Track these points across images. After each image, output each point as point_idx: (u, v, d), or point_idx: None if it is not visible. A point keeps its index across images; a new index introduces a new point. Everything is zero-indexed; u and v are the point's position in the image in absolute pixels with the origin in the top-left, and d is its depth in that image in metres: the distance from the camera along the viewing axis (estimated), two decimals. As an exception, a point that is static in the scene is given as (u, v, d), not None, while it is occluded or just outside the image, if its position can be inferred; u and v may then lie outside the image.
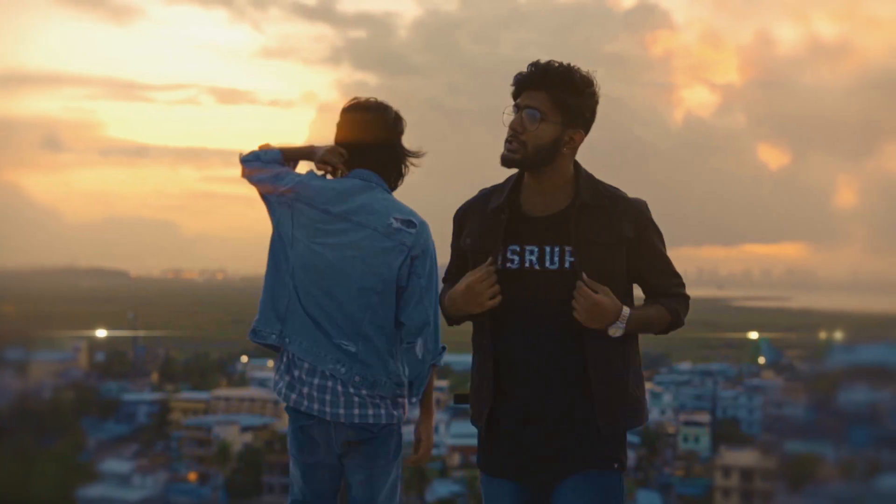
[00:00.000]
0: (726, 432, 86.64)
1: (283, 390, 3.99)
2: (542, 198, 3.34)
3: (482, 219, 3.40)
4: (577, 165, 3.37)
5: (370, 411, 3.90)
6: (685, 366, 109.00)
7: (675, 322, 3.44)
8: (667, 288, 3.41)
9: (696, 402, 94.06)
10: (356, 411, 3.87)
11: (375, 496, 4.05)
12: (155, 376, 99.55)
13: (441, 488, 67.57)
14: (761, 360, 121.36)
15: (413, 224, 3.87)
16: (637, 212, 3.36)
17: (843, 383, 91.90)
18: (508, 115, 3.32)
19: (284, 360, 3.96)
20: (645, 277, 3.41)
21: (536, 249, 3.32)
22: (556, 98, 3.26)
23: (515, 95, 3.33)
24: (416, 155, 4.07)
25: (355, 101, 4.02)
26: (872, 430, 64.55)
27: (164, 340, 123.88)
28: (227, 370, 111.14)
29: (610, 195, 3.36)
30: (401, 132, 4.04)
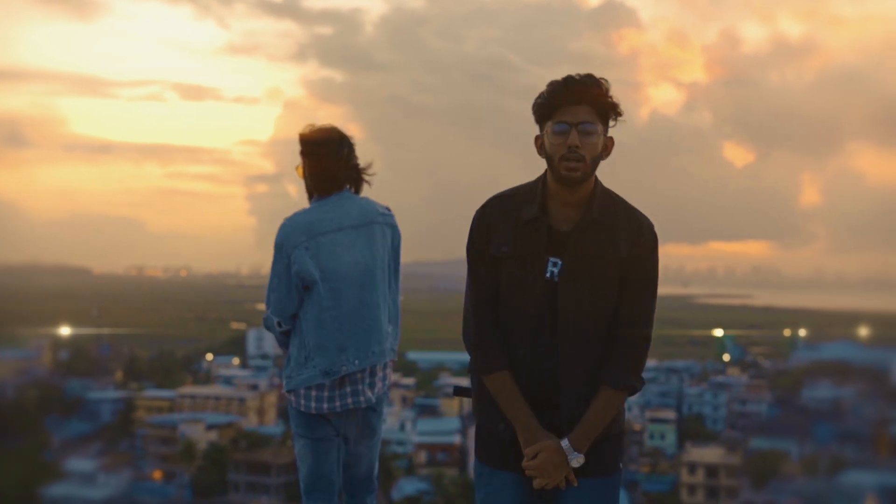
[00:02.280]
0: (692, 429, 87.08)
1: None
2: (568, 210, 3.38)
3: (516, 227, 3.39)
4: (598, 182, 3.42)
5: (379, 384, 4.52)
6: (650, 363, 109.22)
7: (629, 392, 3.42)
8: (627, 328, 3.39)
9: (661, 400, 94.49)
10: (378, 386, 4.53)
11: (374, 465, 4.63)
12: (119, 374, 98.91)
13: (407, 486, 67.49)
14: (726, 357, 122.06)
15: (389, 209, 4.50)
16: (637, 231, 3.39)
17: (806, 380, 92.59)
18: (554, 134, 3.31)
19: None
20: (621, 304, 3.39)
21: (560, 262, 3.37)
22: (597, 110, 3.31)
23: (547, 114, 3.34)
24: (368, 173, 4.55)
25: (309, 135, 4.45)
26: (836, 426, 64.99)
27: (128, 338, 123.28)
28: (193, 368, 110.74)
29: (619, 211, 3.41)
30: (350, 159, 4.49)
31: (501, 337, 3.43)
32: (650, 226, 3.42)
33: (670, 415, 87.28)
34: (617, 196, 3.44)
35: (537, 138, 3.41)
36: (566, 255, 3.34)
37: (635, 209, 3.45)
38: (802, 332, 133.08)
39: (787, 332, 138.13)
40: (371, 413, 4.55)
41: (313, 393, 4.35)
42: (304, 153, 4.43)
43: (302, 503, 4.48)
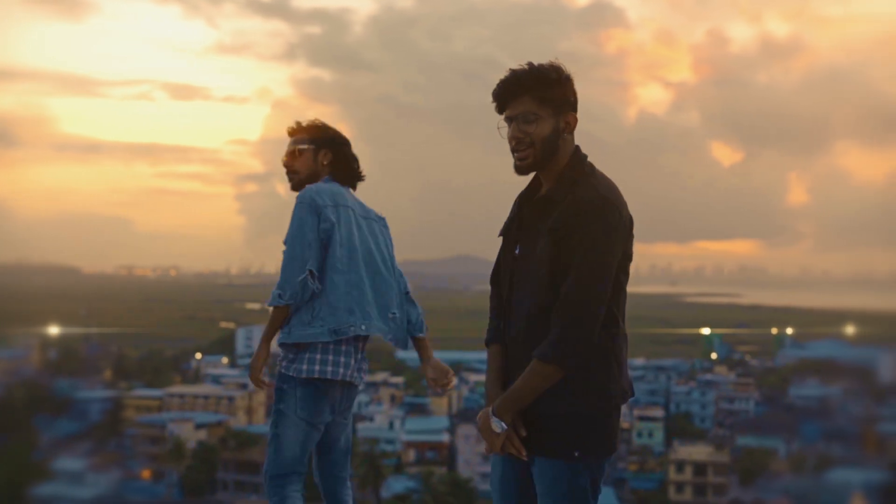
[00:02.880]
0: (679, 427, 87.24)
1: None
2: (544, 188, 3.52)
3: (512, 211, 3.62)
4: (576, 158, 3.48)
5: (364, 365, 4.59)
6: (638, 361, 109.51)
7: (556, 365, 3.35)
8: (559, 304, 3.35)
9: (649, 398, 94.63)
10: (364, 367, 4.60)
11: (350, 443, 4.79)
12: (108, 374, 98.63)
13: (396, 484, 67.53)
14: (713, 355, 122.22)
15: None
16: (575, 207, 3.36)
17: (793, 378, 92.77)
18: (504, 126, 3.47)
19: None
20: (559, 277, 3.38)
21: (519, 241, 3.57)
22: (540, 96, 3.41)
23: (500, 110, 3.48)
24: (363, 174, 4.73)
25: (333, 129, 4.66)
26: (823, 424, 65.13)
27: (117, 337, 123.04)
28: (181, 367, 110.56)
29: (572, 188, 3.41)
30: (324, 160, 4.61)
31: (500, 312, 3.60)
32: (594, 198, 3.35)
33: (658, 413, 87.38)
34: (589, 173, 3.45)
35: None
36: (521, 235, 3.52)
37: (597, 186, 3.40)
38: (789, 331, 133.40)
39: (774, 331, 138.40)
40: (355, 392, 4.60)
41: (318, 356, 4.34)
42: (329, 144, 4.59)
43: (273, 491, 4.40)
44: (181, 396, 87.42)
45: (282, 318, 4.36)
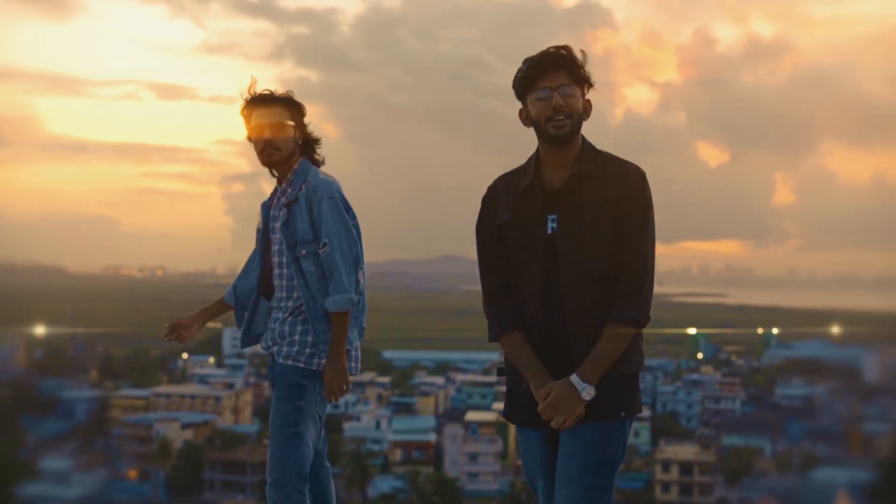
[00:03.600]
0: (665, 427, 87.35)
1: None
2: (561, 171, 3.63)
3: (516, 196, 3.67)
4: (583, 137, 3.68)
5: None
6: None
7: (634, 325, 3.57)
8: (625, 266, 3.54)
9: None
10: None
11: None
12: (94, 373, 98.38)
13: (383, 484, 67.57)
14: (699, 355, 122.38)
15: None
16: (625, 176, 3.60)
17: (779, 378, 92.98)
18: (539, 101, 3.58)
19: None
20: (618, 245, 3.56)
21: (556, 216, 3.61)
22: (573, 74, 3.61)
23: (528, 85, 3.62)
24: None
25: (275, 104, 4.43)
26: (808, 423, 65.28)
27: (103, 337, 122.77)
28: (168, 367, 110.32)
29: (607, 162, 3.65)
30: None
31: (511, 300, 3.66)
32: (638, 170, 3.62)
33: (644, 412, 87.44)
34: (605, 152, 3.70)
35: (521, 111, 3.68)
36: (560, 209, 3.58)
37: (623, 159, 3.68)
38: (775, 331, 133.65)
39: (760, 331, 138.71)
40: None
41: (353, 353, 4.38)
42: (303, 123, 4.47)
43: (295, 497, 4.23)
44: (168, 396, 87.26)
45: (348, 322, 4.30)
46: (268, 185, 4.55)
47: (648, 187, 3.62)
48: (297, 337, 4.33)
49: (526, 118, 3.67)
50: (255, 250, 4.62)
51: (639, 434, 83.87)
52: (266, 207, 4.52)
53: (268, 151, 4.33)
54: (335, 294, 4.25)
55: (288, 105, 4.40)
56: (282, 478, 4.21)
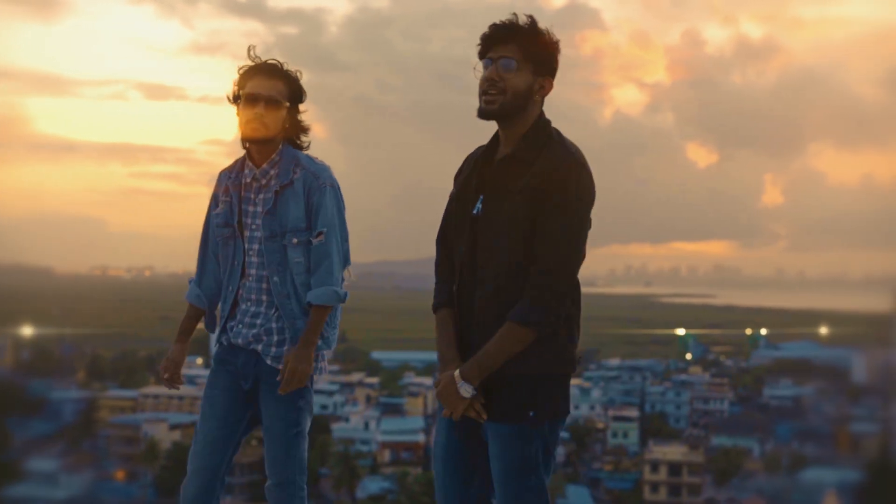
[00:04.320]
0: (654, 427, 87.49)
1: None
2: (505, 151, 3.42)
3: (466, 170, 3.54)
4: (541, 121, 3.44)
5: None
6: (613, 362, 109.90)
7: (534, 328, 3.33)
8: (537, 263, 3.32)
9: (624, 398, 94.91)
10: None
11: None
12: (82, 374, 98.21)
13: (371, 485, 67.54)
14: (688, 356, 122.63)
15: None
16: (555, 165, 3.33)
17: (767, 378, 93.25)
18: (480, 71, 3.41)
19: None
20: (534, 238, 3.34)
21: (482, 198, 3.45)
22: (526, 48, 3.37)
23: (483, 53, 3.42)
24: None
25: (276, 76, 4.15)
26: (796, 424, 65.49)
27: (91, 338, 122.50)
28: (156, 368, 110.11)
29: (543, 147, 3.38)
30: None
31: (451, 274, 3.51)
32: (573, 159, 3.36)
33: (633, 413, 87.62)
34: (557, 135, 3.42)
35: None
36: (485, 191, 3.41)
37: (568, 148, 3.39)
38: (764, 331, 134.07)
39: (748, 331, 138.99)
40: None
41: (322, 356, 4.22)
42: (298, 105, 4.21)
43: (299, 497, 4.13)
44: (155, 397, 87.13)
45: (325, 318, 4.08)
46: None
47: (583, 180, 3.35)
48: (287, 335, 4.09)
49: None
50: (208, 238, 4.27)
51: (628, 434, 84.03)
52: (233, 188, 4.18)
53: (254, 125, 4.02)
54: (322, 286, 4.04)
55: (290, 84, 4.12)
56: (287, 478, 4.08)
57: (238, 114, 4.09)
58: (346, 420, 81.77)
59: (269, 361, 4.07)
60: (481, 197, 3.42)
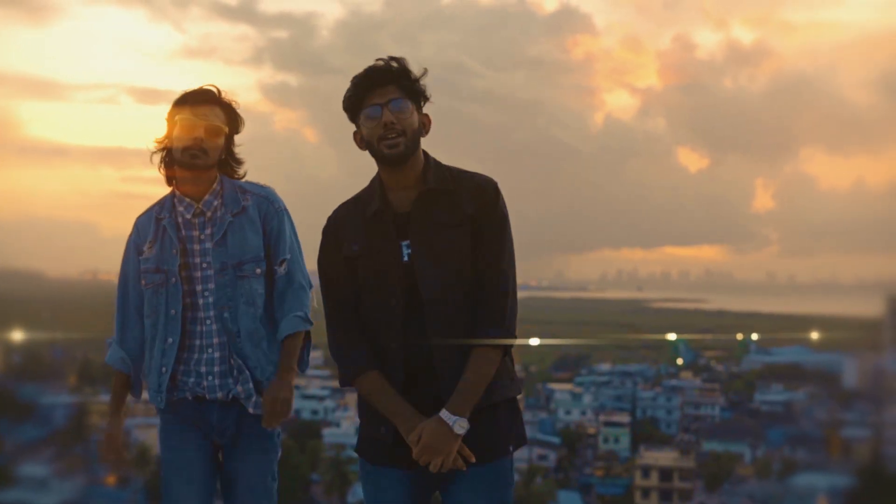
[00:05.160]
0: (645, 432, 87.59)
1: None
2: (408, 193, 3.35)
3: (364, 225, 3.37)
4: (425, 153, 3.41)
5: None
6: (605, 367, 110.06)
7: (502, 346, 3.30)
8: (487, 285, 3.29)
9: (615, 403, 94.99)
10: None
11: None
12: (73, 379, 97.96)
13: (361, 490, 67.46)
14: (679, 361, 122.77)
15: None
16: (481, 190, 3.35)
17: (758, 383, 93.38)
18: (368, 119, 3.31)
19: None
20: (476, 263, 3.31)
21: (410, 242, 3.34)
22: (404, 87, 3.33)
23: (358, 105, 3.35)
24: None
25: (215, 103, 3.91)
26: (788, 429, 65.56)
27: (82, 343, 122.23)
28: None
29: (455, 177, 3.38)
30: None
31: (365, 339, 3.35)
32: (490, 181, 3.38)
33: (624, 418, 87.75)
34: (452, 167, 3.42)
35: (355, 134, 3.40)
36: (413, 233, 3.31)
37: (474, 172, 3.41)
38: (755, 336, 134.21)
39: (739, 336, 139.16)
40: None
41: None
42: (234, 134, 3.95)
43: None
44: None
45: (300, 345, 3.86)
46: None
47: (503, 198, 3.38)
48: (264, 376, 3.85)
49: (360, 141, 3.37)
50: (127, 293, 3.97)
51: (619, 440, 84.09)
52: (169, 229, 3.85)
53: (192, 152, 3.72)
54: (292, 313, 3.82)
55: (228, 111, 3.85)
56: None
57: (169, 144, 3.83)
58: (338, 425, 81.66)
59: (251, 409, 3.81)
60: (408, 241, 3.31)
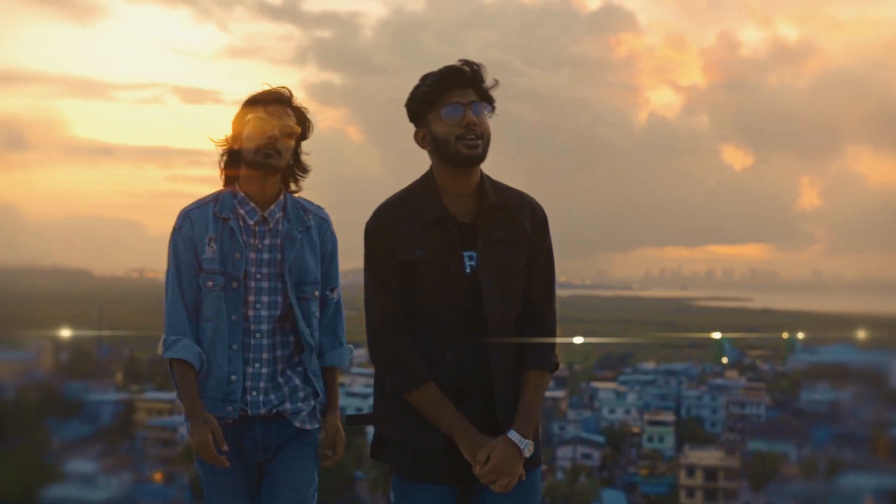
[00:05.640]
0: (690, 431, 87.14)
1: None
2: (464, 201, 3.31)
3: (423, 229, 3.28)
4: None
5: None
6: (649, 365, 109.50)
7: (552, 371, 3.36)
8: (539, 306, 3.34)
9: (660, 402, 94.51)
10: None
11: None
12: (119, 376, 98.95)
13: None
14: (724, 360, 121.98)
15: None
16: (534, 210, 3.37)
17: (804, 383, 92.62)
18: (447, 116, 3.25)
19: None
20: (528, 283, 3.34)
21: (475, 255, 3.28)
22: (482, 93, 3.29)
23: (432, 103, 3.28)
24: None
25: (291, 106, 3.79)
26: (834, 428, 65.01)
27: (128, 340, 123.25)
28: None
29: (512, 194, 3.37)
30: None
31: (418, 347, 3.27)
32: (540, 205, 3.41)
33: (668, 417, 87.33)
34: (501, 182, 3.40)
35: (416, 133, 3.34)
36: (479, 247, 3.26)
37: (520, 191, 3.41)
38: (800, 335, 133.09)
39: (785, 335, 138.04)
40: None
41: None
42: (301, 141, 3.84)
43: None
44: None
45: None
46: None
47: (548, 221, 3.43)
48: (306, 393, 3.76)
49: (423, 140, 3.32)
50: (183, 287, 3.71)
51: (663, 439, 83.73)
52: (229, 228, 3.70)
53: (266, 151, 3.61)
54: (342, 347, 3.82)
55: (299, 115, 3.73)
56: None
57: (238, 145, 3.71)
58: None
59: (297, 424, 3.72)
60: (473, 254, 3.27)
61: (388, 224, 3.30)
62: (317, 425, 3.76)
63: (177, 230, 3.70)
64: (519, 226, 3.31)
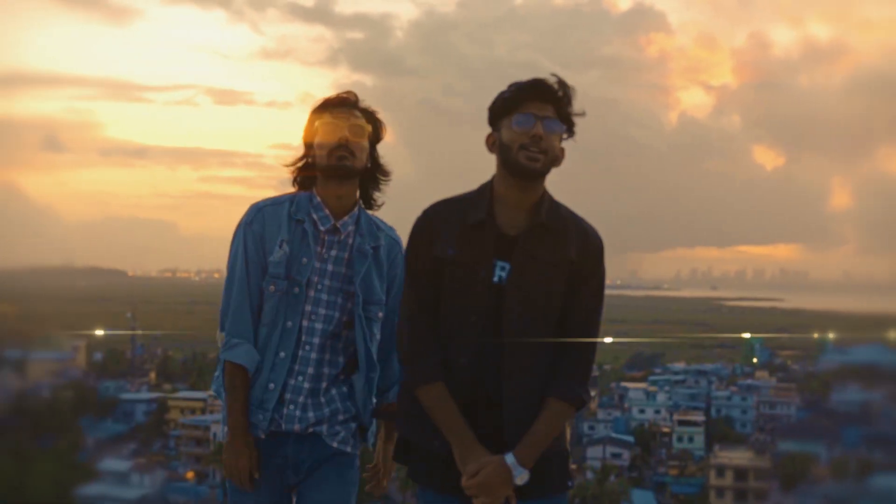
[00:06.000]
0: (720, 432, 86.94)
1: None
2: (516, 214, 3.26)
3: (462, 230, 3.26)
4: (544, 187, 3.33)
5: None
6: (679, 366, 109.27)
7: (578, 406, 3.26)
8: (576, 336, 3.27)
9: (690, 402, 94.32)
10: None
11: None
12: (153, 375, 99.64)
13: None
14: (754, 360, 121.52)
15: None
16: (586, 236, 3.30)
17: (835, 383, 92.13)
18: (517, 125, 3.21)
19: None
20: (567, 311, 3.27)
21: (507, 266, 3.24)
22: (561, 113, 3.24)
23: (509, 109, 3.23)
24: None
25: (358, 107, 3.74)
26: (865, 429, 64.79)
27: (161, 340, 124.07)
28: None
29: (567, 218, 3.31)
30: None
31: (439, 346, 3.24)
32: (597, 232, 3.32)
33: (698, 417, 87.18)
34: (564, 205, 3.34)
35: (489, 136, 3.31)
36: (514, 259, 3.21)
37: (582, 218, 3.35)
38: (831, 336, 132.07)
39: (815, 335, 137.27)
40: None
41: None
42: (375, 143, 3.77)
43: None
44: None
45: None
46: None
47: (604, 252, 3.32)
48: (349, 416, 3.65)
49: (492, 145, 3.29)
50: (250, 287, 3.57)
51: (693, 439, 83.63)
52: (301, 231, 3.60)
53: (339, 153, 3.52)
54: (397, 378, 3.68)
55: (368, 116, 3.65)
56: None
57: (312, 153, 3.65)
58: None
59: (335, 444, 3.61)
60: (506, 265, 3.22)
61: (431, 221, 3.29)
62: (356, 449, 3.66)
63: (246, 225, 3.61)
64: (562, 249, 3.23)
